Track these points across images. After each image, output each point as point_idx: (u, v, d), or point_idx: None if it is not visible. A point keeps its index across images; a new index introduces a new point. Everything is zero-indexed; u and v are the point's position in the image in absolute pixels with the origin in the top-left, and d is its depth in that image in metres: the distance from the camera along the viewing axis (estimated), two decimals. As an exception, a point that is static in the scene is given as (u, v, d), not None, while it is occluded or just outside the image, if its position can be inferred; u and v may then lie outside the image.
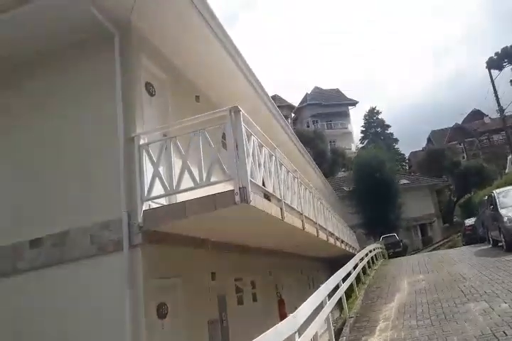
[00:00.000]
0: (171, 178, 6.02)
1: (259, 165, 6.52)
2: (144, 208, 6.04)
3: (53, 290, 6.24)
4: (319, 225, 10.95)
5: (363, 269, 13.78)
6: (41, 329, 6.11)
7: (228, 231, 7.56)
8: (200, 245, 7.55)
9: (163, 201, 6.61)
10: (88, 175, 6.50)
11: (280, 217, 7.28)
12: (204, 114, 6.23)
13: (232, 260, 8.89)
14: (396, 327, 7.17)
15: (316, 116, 63.37)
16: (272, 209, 6.77)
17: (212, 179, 5.82)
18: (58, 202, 6.58)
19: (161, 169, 6.10)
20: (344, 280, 9.12)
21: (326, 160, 47.20)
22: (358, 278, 11.99)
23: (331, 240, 13.64)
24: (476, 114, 58.78)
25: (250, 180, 5.73)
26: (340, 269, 9.26)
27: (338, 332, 7.47)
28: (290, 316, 4.64)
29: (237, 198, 5.52)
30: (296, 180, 9.61)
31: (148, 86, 7.28)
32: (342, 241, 17.07)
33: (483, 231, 17.00)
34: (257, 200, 5.96)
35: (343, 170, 50.79)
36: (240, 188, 5.58)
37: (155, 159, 6.10)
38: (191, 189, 5.87)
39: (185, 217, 5.77)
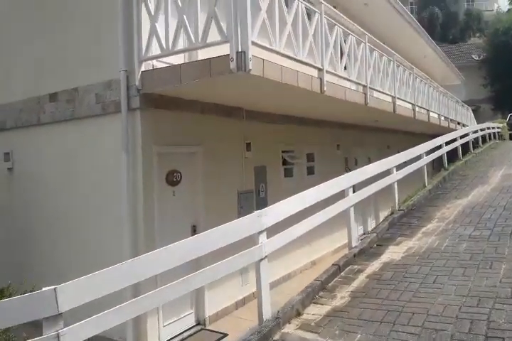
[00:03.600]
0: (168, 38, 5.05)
1: (281, 21, 5.15)
2: (142, 69, 5.32)
3: (64, 143, 6.34)
4: (396, 98, 9.30)
5: (451, 154, 12.06)
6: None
7: (254, 100, 6.64)
8: (230, 114, 6.84)
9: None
10: (95, 34, 5.92)
11: (319, 90, 6.09)
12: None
13: (277, 131, 8.13)
14: (445, 232, 6.13)
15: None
16: (301, 80, 5.57)
17: (211, 40, 4.74)
18: (70, 58, 6.22)
19: (159, 26, 5.11)
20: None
21: (457, 23, 40.07)
22: (440, 163, 10.59)
23: (422, 116, 11.87)
24: None
25: (254, 42, 4.55)
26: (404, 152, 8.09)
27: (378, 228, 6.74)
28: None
29: (233, 65, 4.45)
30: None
31: None
32: (445, 118, 14.96)
33: None
34: (268, 68, 4.84)
35: (477, 35, 42.66)
36: (237, 53, 4.46)
37: (152, 11, 5.08)
38: (186, 50, 4.93)
39: (179, 82, 4.96)
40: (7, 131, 7.19)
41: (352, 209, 5.85)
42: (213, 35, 4.73)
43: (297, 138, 8.89)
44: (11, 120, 7.06)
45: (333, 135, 10.47)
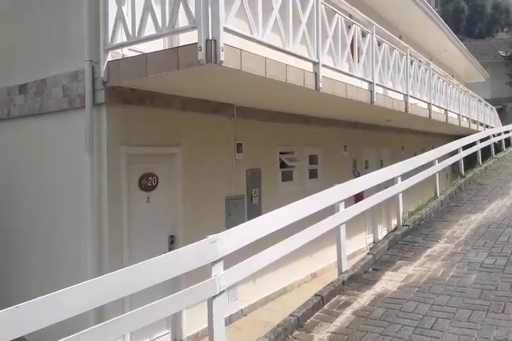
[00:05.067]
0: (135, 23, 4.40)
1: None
2: (109, 59, 4.70)
3: (32, 141, 5.77)
4: (409, 97, 8.47)
5: (470, 159, 11.14)
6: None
7: (246, 96, 5.96)
8: (217, 110, 6.18)
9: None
10: (62, 21, 5.29)
11: (313, 87, 5.38)
12: None
13: (274, 131, 7.44)
14: (452, 257, 5.32)
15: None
16: (291, 75, 4.87)
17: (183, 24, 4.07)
18: (39, 47, 5.62)
19: (125, 10, 4.46)
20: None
21: (484, 17, 38.02)
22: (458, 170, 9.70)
23: (440, 117, 10.99)
24: None
25: (227, 29, 3.88)
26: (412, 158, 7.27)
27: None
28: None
29: (201, 55, 3.78)
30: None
31: None
32: (466, 119, 13.99)
33: None
34: (248, 60, 4.16)
35: (505, 30, 40.64)
36: (206, 41, 3.79)
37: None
38: (152, 37, 4.25)
39: (145, 74, 4.32)
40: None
41: (343, 227, 5.05)
42: (185, 20, 4.08)
43: (298, 138, 8.18)
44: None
45: (340, 135, 9.71)
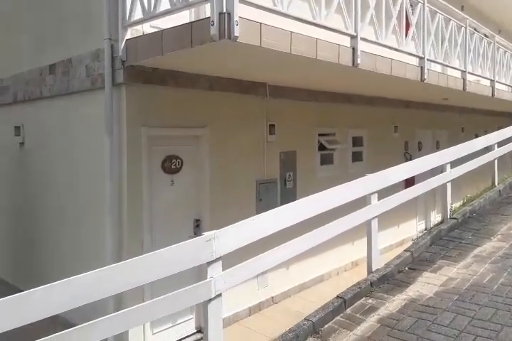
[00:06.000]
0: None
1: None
2: (128, 36, 4.46)
3: (60, 120, 5.73)
4: (468, 73, 7.64)
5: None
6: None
7: (279, 74, 5.55)
8: (247, 90, 5.83)
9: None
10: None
11: (350, 63, 4.88)
12: None
13: (312, 111, 6.99)
14: (506, 259, 4.67)
15: None
16: (322, 50, 4.41)
17: (195, -2, 3.73)
18: (66, 26, 5.46)
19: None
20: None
21: None
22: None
23: (506, 95, 9.94)
24: None
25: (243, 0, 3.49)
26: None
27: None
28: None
29: (213, 30, 3.44)
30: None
31: None
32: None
33: None
34: (269, 35, 3.77)
35: None
36: (219, 14, 3.43)
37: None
38: (168, 12, 3.94)
39: (161, 53, 4.04)
40: (19, 104, 6.74)
41: (375, 221, 4.51)
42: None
43: (340, 118, 7.67)
44: (21, 92, 6.58)
45: (390, 115, 9.05)
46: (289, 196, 6.69)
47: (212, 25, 3.44)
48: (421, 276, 4.41)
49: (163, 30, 4.02)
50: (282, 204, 6.50)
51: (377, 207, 4.46)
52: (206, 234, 2.86)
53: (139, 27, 4.53)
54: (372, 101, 8.23)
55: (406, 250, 4.84)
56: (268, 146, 6.28)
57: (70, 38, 5.39)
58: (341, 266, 7.87)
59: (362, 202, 4.52)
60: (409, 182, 7.66)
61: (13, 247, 6.82)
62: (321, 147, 7.36)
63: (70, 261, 5.50)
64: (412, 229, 10.05)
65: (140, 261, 2.64)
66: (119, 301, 4.43)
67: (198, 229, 5.53)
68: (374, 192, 4.36)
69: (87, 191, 5.25)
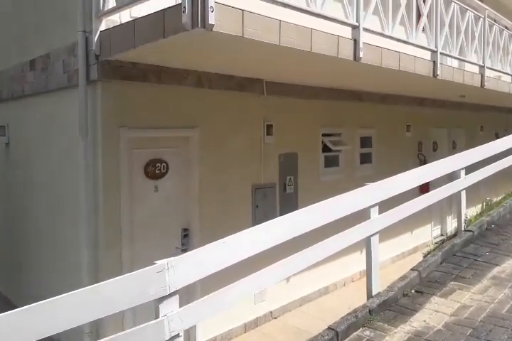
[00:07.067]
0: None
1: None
2: (102, 28, 4.02)
3: (38, 119, 5.38)
4: (486, 68, 7.03)
5: None
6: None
7: (276, 69, 5.06)
8: (242, 87, 5.35)
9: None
10: None
11: (351, 57, 4.36)
12: None
13: (315, 110, 6.47)
14: None
15: None
16: (318, 42, 3.91)
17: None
18: (44, 20, 5.08)
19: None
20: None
21: None
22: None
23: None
24: None
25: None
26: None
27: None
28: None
29: (185, 18, 2.98)
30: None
31: None
32: None
33: None
34: (252, 23, 3.29)
35: None
36: (192, 0, 2.97)
37: None
38: (139, -2, 3.48)
39: (133, 45, 3.59)
40: (3, 102, 6.39)
41: (375, 238, 3.95)
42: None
43: (346, 117, 7.13)
44: (5, 90, 6.22)
45: (402, 113, 8.47)
46: (289, 202, 6.21)
47: (184, 12, 2.98)
48: (429, 302, 3.84)
49: (136, 19, 3.58)
50: (282, 210, 6.12)
51: (379, 221, 3.90)
52: (158, 262, 2.33)
53: (116, 17, 4.08)
54: (382, 98, 7.67)
55: (413, 269, 4.25)
56: (266, 148, 5.79)
57: (49, 32, 5.00)
58: (348, 277, 7.33)
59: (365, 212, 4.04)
60: (424, 188, 7.11)
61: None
62: (326, 148, 6.85)
63: (48, 272, 5.13)
64: (426, 234, 9.47)
65: (61, 302, 2.07)
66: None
67: (186, 239, 5.09)
68: (375, 205, 3.82)
69: (62, 200, 4.86)
